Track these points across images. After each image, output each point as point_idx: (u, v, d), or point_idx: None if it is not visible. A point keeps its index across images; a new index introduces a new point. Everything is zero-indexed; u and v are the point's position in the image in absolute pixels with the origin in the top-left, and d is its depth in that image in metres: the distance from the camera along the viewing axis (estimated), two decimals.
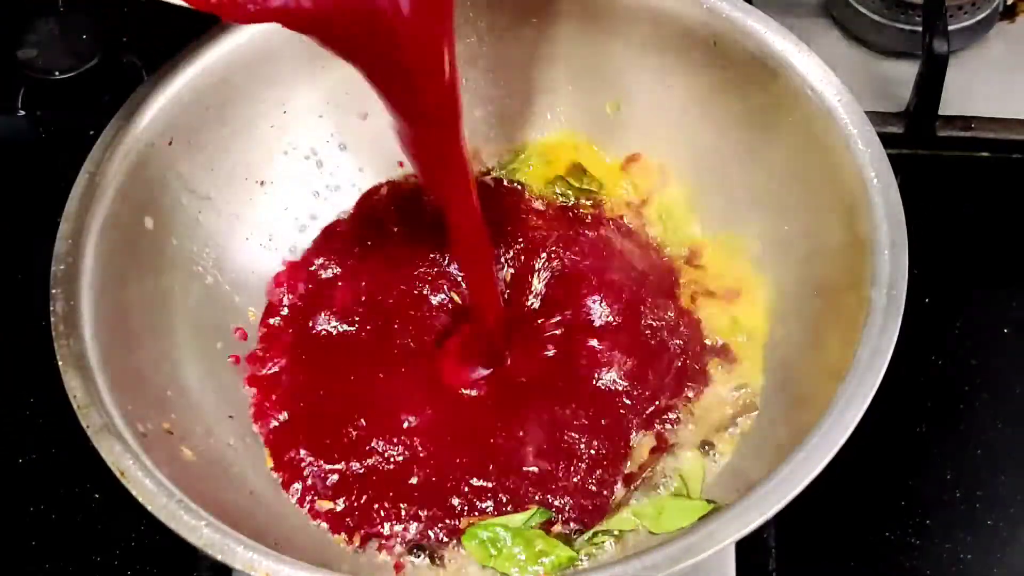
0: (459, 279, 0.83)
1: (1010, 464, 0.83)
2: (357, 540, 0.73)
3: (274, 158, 0.89)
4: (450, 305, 0.83)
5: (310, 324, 0.81)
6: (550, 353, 0.80)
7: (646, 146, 0.90)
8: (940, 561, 0.79)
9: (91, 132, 0.80)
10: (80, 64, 0.98)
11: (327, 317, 0.81)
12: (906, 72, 1.00)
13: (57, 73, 0.98)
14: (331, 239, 0.87)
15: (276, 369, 0.80)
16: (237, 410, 0.79)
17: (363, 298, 0.82)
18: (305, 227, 0.89)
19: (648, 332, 0.79)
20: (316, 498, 0.74)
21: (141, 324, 0.78)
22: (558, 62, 0.90)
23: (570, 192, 0.88)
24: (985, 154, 0.99)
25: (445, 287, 0.83)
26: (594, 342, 0.79)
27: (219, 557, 0.62)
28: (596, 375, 0.78)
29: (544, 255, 0.83)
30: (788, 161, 0.82)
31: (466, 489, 0.73)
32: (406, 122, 0.70)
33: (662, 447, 0.75)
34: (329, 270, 0.84)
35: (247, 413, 0.80)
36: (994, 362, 0.87)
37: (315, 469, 0.75)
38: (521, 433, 0.75)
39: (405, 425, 0.76)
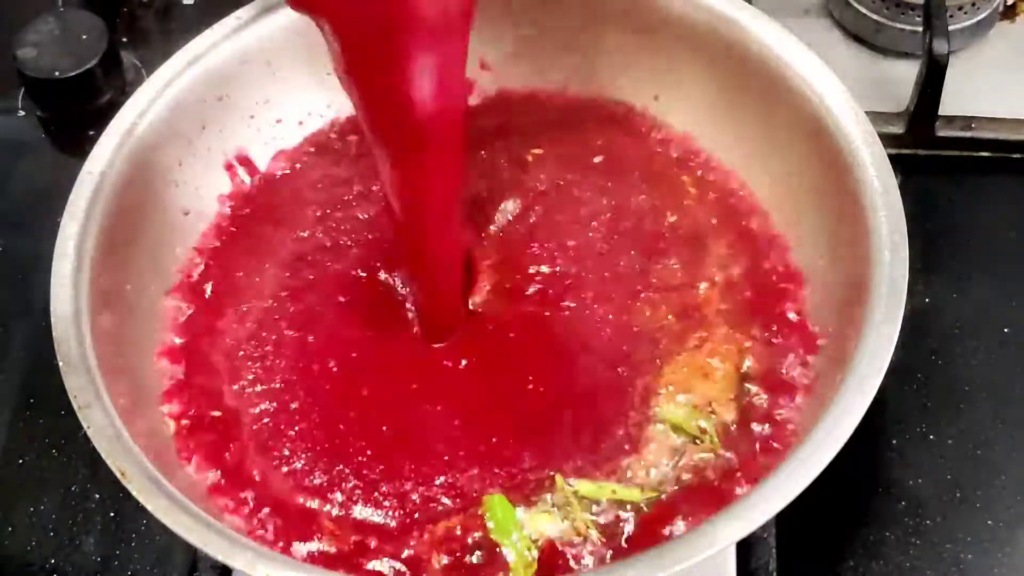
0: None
1: (1010, 464, 0.83)
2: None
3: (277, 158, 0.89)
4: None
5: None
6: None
7: None
8: (940, 561, 0.79)
9: (91, 132, 0.80)
10: (80, 64, 0.98)
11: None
12: (906, 72, 1.00)
13: (57, 73, 0.98)
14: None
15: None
16: None
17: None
18: None
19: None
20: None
21: (142, 324, 0.79)
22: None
23: None
24: (985, 154, 0.99)
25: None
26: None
27: (219, 557, 0.62)
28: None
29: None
30: (787, 161, 0.82)
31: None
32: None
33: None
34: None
35: None
36: (994, 362, 0.87)
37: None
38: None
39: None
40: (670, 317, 0.79)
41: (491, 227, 0.84)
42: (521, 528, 0.70)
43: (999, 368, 0.87)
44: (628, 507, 0.70)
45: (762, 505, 0.62)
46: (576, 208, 0.85)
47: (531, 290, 0.81)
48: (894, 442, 0.84)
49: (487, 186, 0.86)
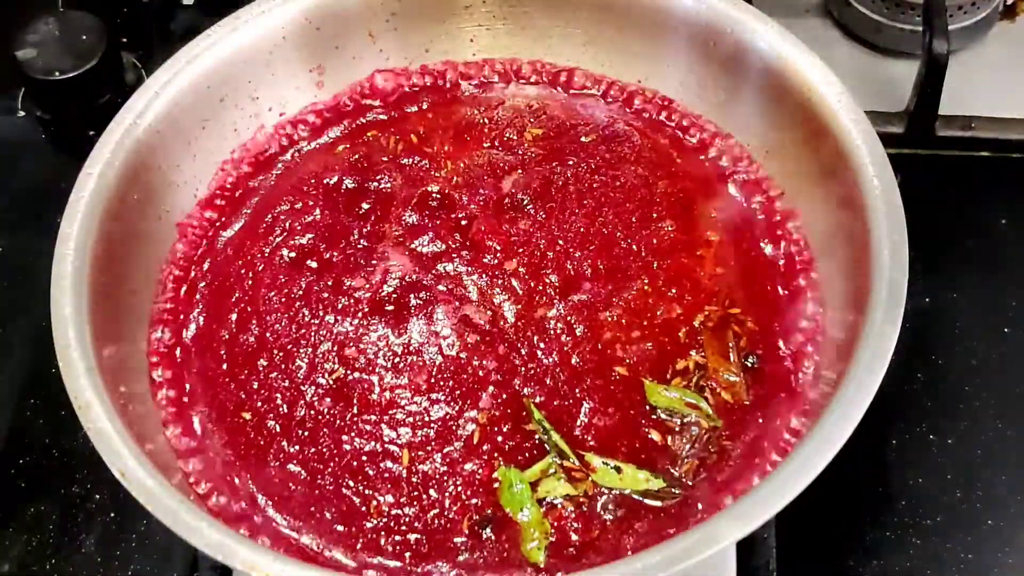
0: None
1: (1010, 464, 0.83)
2: None
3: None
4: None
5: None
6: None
7: None
8: (940, 561, 0.79)
9: (91, 132, 0.80)
10: (80, 64, 0.98)
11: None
12: (906, 72, 1.01)
13: (57, 73, 0.98)
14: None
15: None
16: None
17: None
18: None
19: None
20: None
21: (141, 324, 0.79)
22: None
23: None
24: (985, 154, 0.99)
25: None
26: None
27: (219, 558, 0.62)
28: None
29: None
30: (787, 161, 0.82)
31: None
32: None
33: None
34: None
35: None
36: (994, 362, 0.87)
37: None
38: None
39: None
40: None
41: (494, 196, 0.85)
42: (533, 499, 0.71)
43: (999, 368, 0.87)
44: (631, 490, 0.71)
45: (762, 505, 0.62)
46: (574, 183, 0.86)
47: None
48: (894, 442, 0.84)
49: (489, 160, 0.87)
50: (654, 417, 0.74)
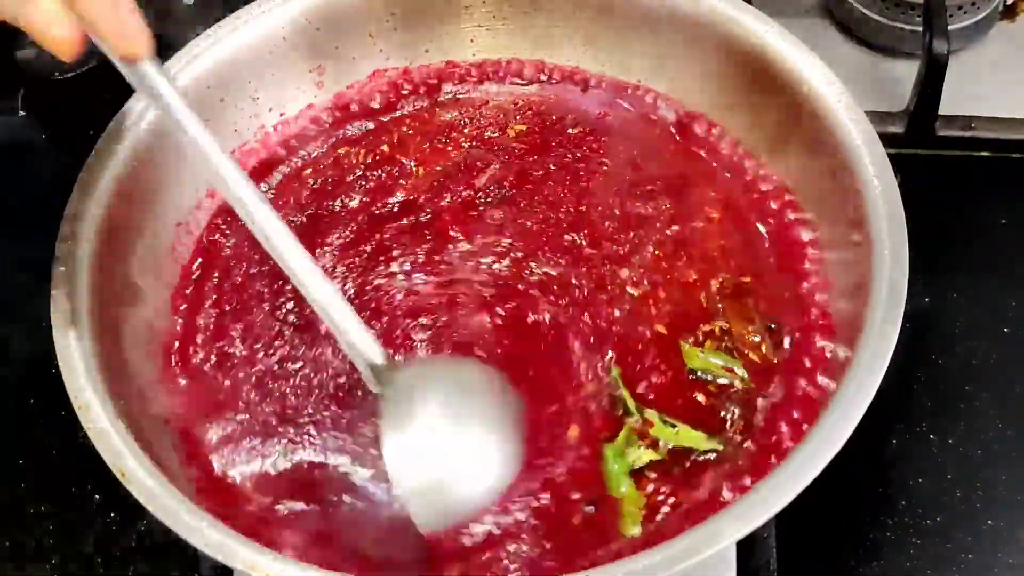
0: None
1: (1010, 464, 0.83)
2: None
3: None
4: None
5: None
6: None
7: None
8: (940, 561, 0.79)
9: (91, 132, 0.80)
10: (80, 64, 0.98)
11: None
12: (906, 72, 1.01)
13: (57, 73, 0.98)
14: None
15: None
16: None
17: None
18: None
19: None
20: None
21: (141, 324, 0.79)
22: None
23: None
24: (985, 154, 0.99)
25: None
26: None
27: (219, 558, 0.62)
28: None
29: None
30: (788, 161, 0.82)
31: None
32: None
33: None
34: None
35: None
36: (994, 362, 0.87)
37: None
38: None
39: None
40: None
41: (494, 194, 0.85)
42: (630, 476, 0.70)
43: (999, 368, 0.87)
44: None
45: (762, 505, 0.62)
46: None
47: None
48: (894, 442, 0.84)
49: (476, 156, 0.87)
50: (692, 379, 0.74)
